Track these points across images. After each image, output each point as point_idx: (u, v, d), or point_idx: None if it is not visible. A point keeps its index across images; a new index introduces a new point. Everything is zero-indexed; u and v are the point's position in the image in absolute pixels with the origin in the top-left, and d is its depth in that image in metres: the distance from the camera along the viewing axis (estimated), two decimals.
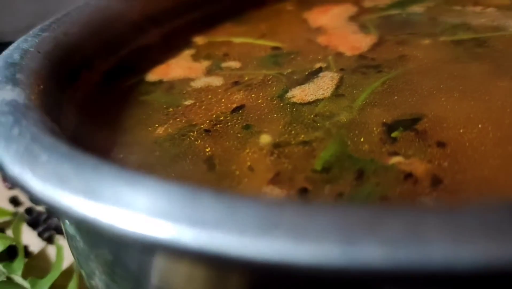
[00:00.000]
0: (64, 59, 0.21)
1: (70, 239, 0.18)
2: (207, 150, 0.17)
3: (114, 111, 0.21)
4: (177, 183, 0.11)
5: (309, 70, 0.22)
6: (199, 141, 0.18)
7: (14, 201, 0.31)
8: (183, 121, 0.20)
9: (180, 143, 0.18)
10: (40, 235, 0.29)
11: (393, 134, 0.16)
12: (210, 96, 0.21)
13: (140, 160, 0.18)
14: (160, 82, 0.24)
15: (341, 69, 0.21)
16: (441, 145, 0.15)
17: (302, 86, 0.20)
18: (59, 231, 0.28)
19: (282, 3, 0.32)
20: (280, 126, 0.18)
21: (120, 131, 0.20)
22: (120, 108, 0.21)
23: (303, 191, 0.14)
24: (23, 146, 0.13)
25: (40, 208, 0.31)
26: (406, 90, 0.19)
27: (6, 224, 0.30)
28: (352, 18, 0.28)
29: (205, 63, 0.25)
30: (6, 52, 0.19)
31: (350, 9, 0.29)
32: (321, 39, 0.25)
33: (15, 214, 0.30)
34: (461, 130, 0.16)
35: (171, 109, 0.21)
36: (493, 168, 0.14)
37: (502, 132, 0.15)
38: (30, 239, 0.28)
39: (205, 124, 0.19)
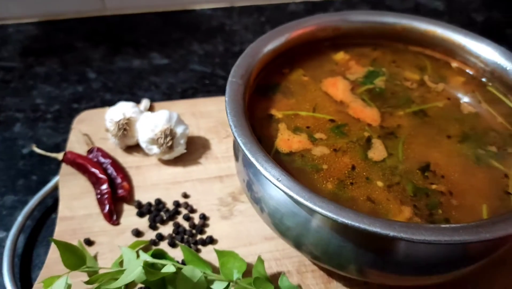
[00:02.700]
0: None
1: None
2: (356, 194, 0.38)
3: None
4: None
5: (364, 138, 0.43)
6: (346, 190, 0.39)
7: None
8: (332, 179, 0.39)
9: (342, 194, 0.39)
10: None
11: (426, 173, 0.40)
12: (331, 161, 0.41)
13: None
14: (292, 153, 0.42)
15: (379, 136, 0.44)
16: (440, 174, 0.40)
17: (371, 150, 0.42)
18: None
19: (295, 71, 0.52)
20: (381, 175, 0.40)
21: None
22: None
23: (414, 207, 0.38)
24: None
25: None
26: (415, 145, 0.43)
27: None
28: (353, 92, 0.50)
29: (304, 136, 0.44)
30: None
31: (347, 83, 0.51)
32: (351, 112, 0.47)
33: None
34: (449, 168, 0.41)
35: (321, 173, 0.40)
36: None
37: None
38: None
39: (346, 179, 0.39)
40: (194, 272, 0.37)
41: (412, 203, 0.39)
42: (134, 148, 0.57)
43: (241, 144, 0.38)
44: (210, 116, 0.63)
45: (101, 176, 0.52)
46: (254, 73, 0.48)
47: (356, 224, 0.33)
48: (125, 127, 0.55)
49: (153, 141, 0.54)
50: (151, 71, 0.75)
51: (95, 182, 0.52)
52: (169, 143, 0.53)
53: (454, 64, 0.53)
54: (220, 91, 0.70)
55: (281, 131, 0.45)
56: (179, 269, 0.39)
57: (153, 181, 0.54)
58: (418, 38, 0.54)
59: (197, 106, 0.64)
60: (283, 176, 0.36)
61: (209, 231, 0.49)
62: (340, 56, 0.54)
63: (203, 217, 0.49)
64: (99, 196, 0.51)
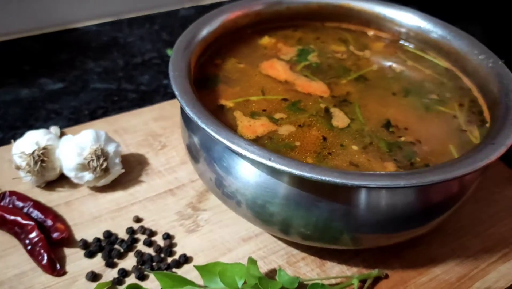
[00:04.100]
0: None
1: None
2: (338, 162, 0.37)
3: None
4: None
5: (322, 109, 0.42)
6: (327, 161, 0.37)
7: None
8: (309, 153, 0.37)
9: (325, 165, 0.37)
10: None
11: (390, 129, 0.40)
12: (301, 137, 0.39)
13: None
14: (258, 138, 0.38)
15: (334, 105, 0.43)
16: (402, 127, 0.41)
17: (333, 119, 0.41)
18: None
19: (228, 61, 0.49)
20: (352, 140, 0.39)
21: None
22: None
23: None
24: None
25: None
26: (369, 106, 0.43)
27: None
28: (293, 70, 0.48)
29: (264, 119, 0.41)
30: None
31: (283, 63, 0.49)
32: (300, 89, 0.45)
33: None
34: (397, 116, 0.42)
35: (296, 151, 0.37)
36: None
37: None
38: None
39: (323, 150, 0.37)
40: None
41: (392, 158, 0.39)
42: (56, 183, 0.48)
43: (213, 133, 0.34)
44: (136, 131, 0.56)
45: (25, 222, 0.42)
46: (192, 66, 0.44)
47: (345, 181, 0.31)
48: (43, 159, 0.45)
49: (83, 167, 0.45)
50: (45, 98, 0.64)
51: (19, 232, 0.41)
52: (104, 165, 0.45)
53: (371, 32, 0.56)
54: (136, 105, 0.63)
55: (239, 119, 0.41)
56: None
57: (92, 213, 0.45)
58: (334, 14, 0.55)
59: (118, 122, 0.56)
60: (266, 152, 0.33)
61: (179, 250, 0.42)
62: (266, 40, 0.53)
63: (167, 237, 0.43)
64: (29, 247, 0.41)
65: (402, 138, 0.41)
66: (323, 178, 0.31)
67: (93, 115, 0.62)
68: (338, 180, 0.31)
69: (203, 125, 0.35)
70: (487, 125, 0.42)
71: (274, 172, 0.35)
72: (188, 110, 0.36)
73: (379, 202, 0.36)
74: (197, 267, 0.38)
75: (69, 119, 0.61)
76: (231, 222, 0.45)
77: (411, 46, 0.53)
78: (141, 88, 0.68)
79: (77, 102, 0.64)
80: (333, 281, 0.40)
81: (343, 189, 0.35)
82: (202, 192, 0.48)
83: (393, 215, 0.37)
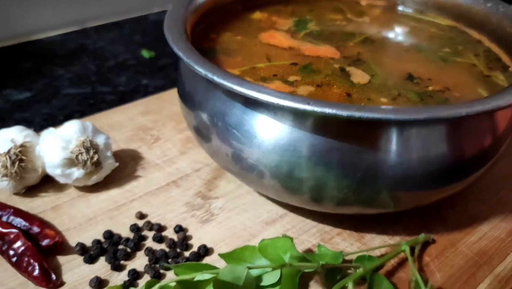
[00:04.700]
0: None
1: None
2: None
3: None
4: None
5: (337, 69, 0.39)
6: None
7: None
8: None
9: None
10: None
11: (414, 81, 0.37)
12: (323, 96, 0.35)
13: None
14: None
15: (349, 65, 0.40)
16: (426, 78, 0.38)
17: (352, 77, 0.38)
18: None
19: (223, 35, 0.44)
20: (378, 94, 0.35)
21: None
22: None
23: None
24: None
25: None
26: (384, 64, 0.40)
27: None
28: (294, 38, 0.45)
29: (278, 82, 0.36)
30: None
31: (283, 33, 0.45)
32: (307, 53, 0.42)
33: None
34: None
35: None
36: None
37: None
38: None
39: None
40: (235, 271, 0.26)
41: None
42: (38, 187, 0.41)
43: (235, 86, 0.29)
44: (122, 127, 0.50)
45: (6, 230, 0.34)
46: (189, 35, 0.39)
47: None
48: (21, 158, 0.38)
49: (71, 162, 0.39)
50: (12, 108, 0.57)
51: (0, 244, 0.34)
52: (94, 158, 0.39)
53: (363, 2, 0.54)
54: (115, 106, 0.57)
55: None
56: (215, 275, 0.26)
57: (86, 215, 0.38)
58: None
59: (100, 120, 0.50)
60: (301, 97, 0.28)
61: (196, 242, 0.36)
62: (258, 15, 0.49)
63: (180, 229, 0.37)
64: (15, 259, 0.33)
65: (430, 88, 0.37)
66: (376, 115, 0.27)
67: (69, 120, 0.56)
68: (392, 116, 0.27)
69: (221, 81, 0.30)
70: (510, 69, 0.40)
71: (305, 124, 0.31)
72: (198, 68, 0.31)
73: (419, 149, 0.32)
74: (223, 256, 0.32)
75: (42, 126, 0.54)
76: (249, 206, 0.40)
77: (409, 10, 0.51)
78: (119, 90, 0.62)
79: (49, 109, 0.57)
80: (378, 253, 0.35)
81: (385, 132, 0.30)
82: (209, 179, 0.43)
83: (432, 167, 0.33)
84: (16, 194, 0.40)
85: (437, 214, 0.39)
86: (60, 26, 0.78)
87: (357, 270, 0.31)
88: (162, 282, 0.26)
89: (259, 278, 0.28)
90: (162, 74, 0.66)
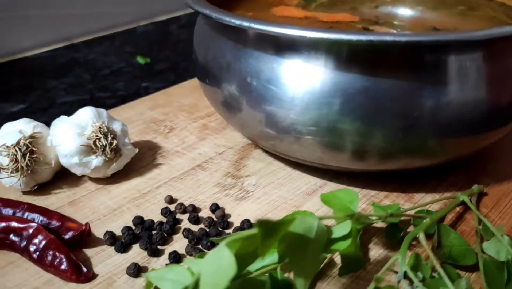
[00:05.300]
0: None
1: None
2: None
3: None
4: None
5: (361, 29, 0.37)
6: None
7: None
8: None
9: None
10: None
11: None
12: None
13: None
14: None
15: (371, 25, 0.38)
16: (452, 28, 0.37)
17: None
18: None
19: (235, 12, 0.43)
20: None
21: None
22: None
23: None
24: None
25: None
26: (405, 24, 0.39)
27: None
28: (307, 10, 0.43)
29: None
30: None
31: (294, 8, 0.44)
32: (326, 19, 0.40)
33: None
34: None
35: None
36: None
37: None
38: None
39: None
40: (306, 222, 0.22)
41: None
42: (50, 185, 0.37)
43: (276, 29, 0.27)
44: (133, 121, 0.46)
45: (23, 225, 0.31)
46: None
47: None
48: (32, 149, 0.35)
49: (88, 149, 0.35)
50: (6, 121, 0.53)
51: (17, 241, 0.30)
52: (114, 143, 0.36)
53: None
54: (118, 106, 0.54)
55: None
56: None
57: (109, 206, 0.34)
58: None
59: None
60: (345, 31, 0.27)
61: (236, 219, 0.33)
62: None
63: (217, 207, 0.34)
64: (37, 254, 0.29)
65: None
66: (437, 37, 0.25)
67: None
68: (453, 37, 0.25)
69: (258, 26, 0.28)
70: None
71: (353, 64, 0.28)
72: (231, 19, 0.29)
73: (472, 88, 0.30)
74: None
75: None
76: (285, 180, 0.37)
77: None
78: (119, 94, 0.59)
79: (47, 118, 0.54)
80: (434, 208, 0.33)
81: (441, 62, 0.28)
82: (236, 160, 0.40)
83: (481, 107, 0.31)
84: (27, 192, 0.36)
85: (483, 169, 0.37)
86: (47, 44, 0.76)
87: (424, 221, 0.28)
88: (226, 239, 0.23)
89: (330, 231, 0.25)
90: (161, 77, 0.64)
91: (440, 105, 0.29)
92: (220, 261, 0.21)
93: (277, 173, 0.38)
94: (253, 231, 0.21)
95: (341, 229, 0.24)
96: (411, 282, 0.25)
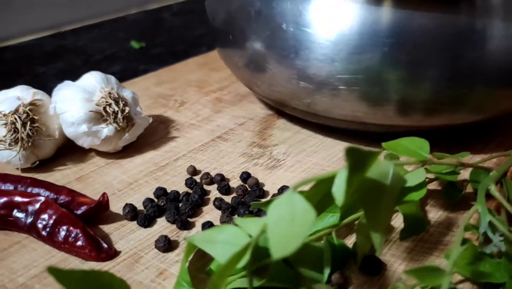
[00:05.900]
0: None
1: None
2: None
3: None
4: None
5: None
6: None
7: None
8: None
9: None
10: None
11: None
12: None
13: None
14: None
15: None
16: None
17: None
18: None
19: None
20: None
21: None
22: None
23: None
24: None
25: None
26: None
27: None
28: None
29: None
30: None
31: None
32: None
33: None
34: None
35: None
36: None
37: None
38: None
39: None
40: (381, 167, 0.19)
41: None
42: (51, 162, 0.32)
43: None
44: (139, 96, 0.43)
45: (28, 199, 0.26)
46: None
47: None
48: (32, 117, 0.30)
49: (97, 116, 0.31)
50: None
51: (22, 218, 0.26)
52: (126, 110, 0.32)
53: None
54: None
55: None
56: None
57: (123, 180, 0.30)
58: None
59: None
60: None
61: (271, 188, 0.29)
62: None
63: (248, 175, 0.30)
64: (46, 232, 0.25)
65: None
66: None
67: None
68: None
69: None
70: None
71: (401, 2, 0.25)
72: None
73: None
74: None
75: None
76: (317, 148, 0.34)
77: None
78: (116, 77, 0.55)
79: None
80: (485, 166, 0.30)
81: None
82: (260, 130, 0.36)
83: None
84: (26, 170, 0.31)
85: None
86: (33, 31, 0.71)
87: (491, 173, 0.25)
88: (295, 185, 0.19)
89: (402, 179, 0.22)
90: (158, 60, 0.60)
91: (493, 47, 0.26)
92: (292, 208, 0.17)
93: (308, 141, 0.35)
94: (329, 174, 0.18)
95: (415, 176, 0.21)
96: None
